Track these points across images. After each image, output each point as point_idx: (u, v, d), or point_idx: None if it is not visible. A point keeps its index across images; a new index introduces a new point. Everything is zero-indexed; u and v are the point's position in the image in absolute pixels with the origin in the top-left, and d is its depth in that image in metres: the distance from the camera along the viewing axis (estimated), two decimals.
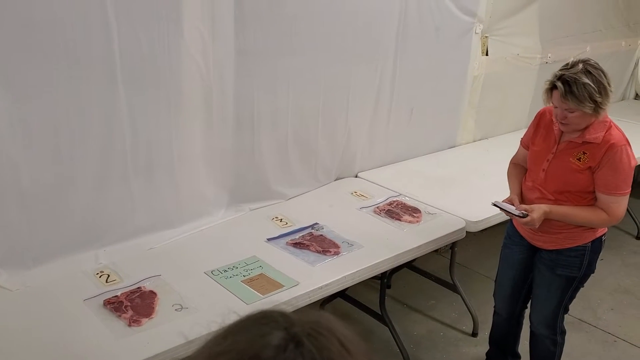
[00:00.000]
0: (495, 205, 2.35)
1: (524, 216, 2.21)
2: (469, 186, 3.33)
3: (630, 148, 2.18)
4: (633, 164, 2.18)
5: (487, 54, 3.87)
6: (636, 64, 5.44)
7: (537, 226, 2.22)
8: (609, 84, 2.10)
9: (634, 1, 5.10)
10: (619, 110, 5.15)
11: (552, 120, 2.29)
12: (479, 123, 4.10)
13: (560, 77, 2.10)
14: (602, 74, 2.09)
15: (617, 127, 2.20)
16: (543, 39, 4.20)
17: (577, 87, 2.05)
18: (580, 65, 2.09)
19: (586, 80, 2.05)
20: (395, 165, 3.63)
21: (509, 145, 4.08)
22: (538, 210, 2.20)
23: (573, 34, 4.48)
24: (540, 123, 2.37)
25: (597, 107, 2.08)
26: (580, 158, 2.18)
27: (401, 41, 3.35)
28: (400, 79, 3.45)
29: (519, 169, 2.50)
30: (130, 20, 2.28)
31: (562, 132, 2.25)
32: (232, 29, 2.61)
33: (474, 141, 4.15)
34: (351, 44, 3.10)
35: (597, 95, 2.06)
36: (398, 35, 3.32)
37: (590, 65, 2.10)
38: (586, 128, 2.16)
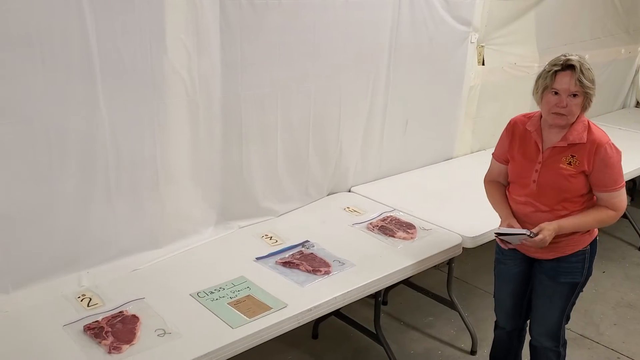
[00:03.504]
0: (498, 234, 2.23)
1: (534, 235, 2.14)
2: (466, 200, 3.25)
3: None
4: (619, 156, 2.18)
5: (483, 64, 3.80)
6: (636, 72, 5.37)
7: (547, 244, 2.16)
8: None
9: (633, 7, 5.03)
10: (619, 118, 5.09)
11: (526, 129, 2.27)
12: (476, 134, 4.04)
13: (569, 60, 2.09)
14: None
15: (595, 125, 2.20)
16: (540, 47, 4.13)
17: (584, 70, 2.07)
18: (577, 56, 2.12)
19: (589, 66, 2.10)
20: (390, 179, 3.56)
21: None
22: (548, 228, 2.14)
23: (571, 42, 4.41)
24: (514, 134, 2.32)
25: (592, 96, 2.12)
26: (571, 162, 2.16)
27: (394, 52, 3.29)
28: (394, 90, 3.39)
29: (498, 187, 2.42)
30: (111, 34, 2.22)
31: (543, 139, 2.22)
32: (217, 41, 2.55)
33: (472, 152, 4.08)
34: (342, 55, 3.03)
35: (594, 85, 2.11)
36: (391, 46, 3.26)
37: (584, 58, 2.15)
38: (567, 130, 2.16)
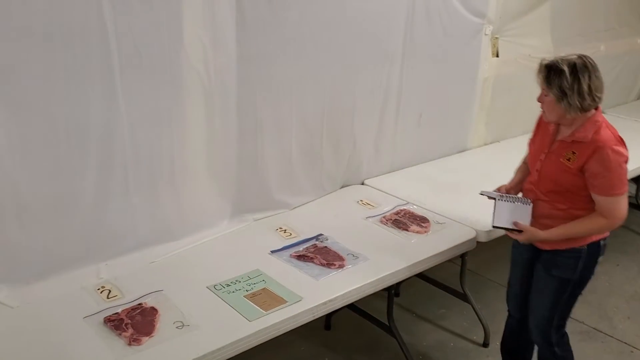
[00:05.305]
0: (483, 194, 2.42)
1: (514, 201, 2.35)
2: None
3: (622, 146, 2.14)
4: (623, 161, 2.13)
5: (497, 56, 3.78)
6: None
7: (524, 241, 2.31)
8: (589, 86, 2.08)
9: None
10: (634, 109, 5.05)
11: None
12: (490, 126, 4.03)
13: (544, 62, 2.15)
14: (587, 75, 2.08)
15: (609, 127, 2.17)
16: (555, 38, 4.10)
17: (552, 71, 2.10)
18: (574, 57, 2.11)
19: (564, 68, 2.07)
20: (403, 172, 3.56)
21: (522, 148, 3.98)
22: (528, 236, 2.26)
23: (586, 33, 4.37)
24: (540, 123, 2.38)
25: (566, 100, 2.09)
26: (570, 158, 2.17)
27: (409, 44, 3.28)
28: (408, 82, 3.39)
29: (524, 166, 2.52)
30: (129, 30, 2.25)
31: (557, 132, 2.26)
32: (233, 35, 2.56)
33: (485, 145, 4.08)
34: (356, 48, 3.04)
35: (567, 88, 2.07)
36: (405, 39, 3.26)
37: (583, 61, 2.10)
38: (577, 127, 2.16)
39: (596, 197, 2.16)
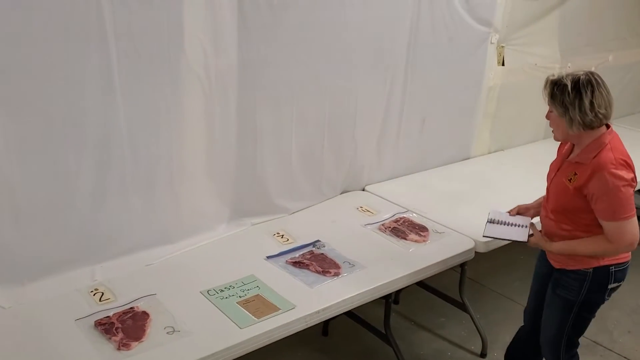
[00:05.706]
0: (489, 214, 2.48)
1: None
2: (481, 202, 3.19)
3: (625, 169, 2.06)
4: (623, 185, 2.04)
5: (503, 64, 3.74)
6: None
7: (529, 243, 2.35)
8: (591, 102, 2.03)
9: None
10: None
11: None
12: (494, 134, 3.99)
13: (551, 78, 2.15)
14: (590, 91, 2.04)
15: (613, 149, 2.09)
16: (562, 47, 4.06)
17: (556, 86, 2.10)
18: (580, 73, 2.10)
19: (567, 83, 2.06)
20: (405, 178, 3.53)
21: (526, 157, 3.97)
22: (537, 240, 2.30)
23: (594, 43, 4.31)
24: (561, 144, 2.36)
25: (568, 115, 2.07)
26: (571, 179, 2.14)
27: (413, 51, 3.26)
28: (412, 89, 3.36)
29: None
30: (129, 32, 2.23)
31: (570, 152, 2.25)
32: (235, 40, 2.55)
33: (489, 153, 4.04)
34: (360, 54, 3.01)
35: (569, 103, 2.05)
36: (410, 45, 3.23)
37: (588, 77, 2.07)
38: (583, 147, 2.14)
39: (601, 222, 2.11)
